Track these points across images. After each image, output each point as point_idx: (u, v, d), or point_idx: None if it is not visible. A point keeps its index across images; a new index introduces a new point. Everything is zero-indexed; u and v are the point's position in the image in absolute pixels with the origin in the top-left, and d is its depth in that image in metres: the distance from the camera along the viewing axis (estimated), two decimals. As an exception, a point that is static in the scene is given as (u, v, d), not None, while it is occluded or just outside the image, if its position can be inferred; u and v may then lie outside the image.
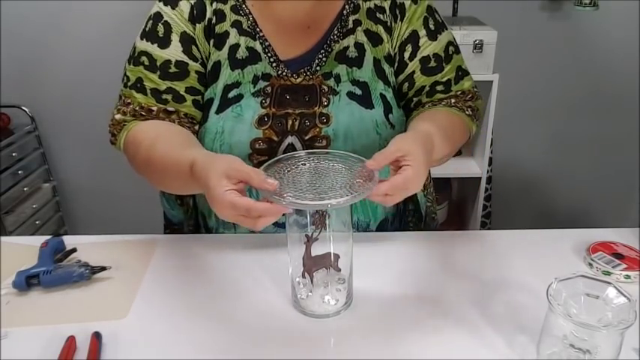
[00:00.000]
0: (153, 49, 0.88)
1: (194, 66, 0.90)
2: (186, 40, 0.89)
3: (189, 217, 1.01)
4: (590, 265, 0.83)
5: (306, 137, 0.88)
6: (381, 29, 0.91)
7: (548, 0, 1.95)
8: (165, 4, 0.89)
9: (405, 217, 1.06)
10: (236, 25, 0.89)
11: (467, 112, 0.95)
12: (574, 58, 2.04)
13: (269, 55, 0.89)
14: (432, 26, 0.93)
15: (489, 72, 1.69)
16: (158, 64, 0.88)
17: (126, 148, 0.89)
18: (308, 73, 0.89)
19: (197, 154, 0.73)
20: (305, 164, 0.73)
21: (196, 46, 0.89)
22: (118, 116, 0.91)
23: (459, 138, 0.93)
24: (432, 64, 0.93)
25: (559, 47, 2.02)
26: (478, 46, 1.65)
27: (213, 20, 0.89)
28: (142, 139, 0.86)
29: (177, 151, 0.79)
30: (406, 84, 0.95)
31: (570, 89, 2.09)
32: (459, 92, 0.96)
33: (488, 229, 1.93)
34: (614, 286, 0.61)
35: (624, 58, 2.03)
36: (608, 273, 0.80)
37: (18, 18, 1.97)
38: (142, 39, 0.90)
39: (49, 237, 0.89)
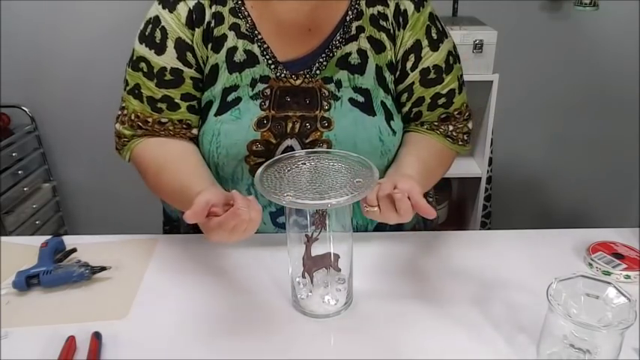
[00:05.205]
0: (150, 55, 0.88)
1: (189, 72, 0.89)
2: (181, 47, 0.88)
3: None
4: (590, 265, 0.83)
5: (307, 140, 0.87)
6: (384, 37, 0.90)
7: (548, 0, 1.95)
8: (164, 7, 0.88)
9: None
10: (234, 27, 0.88)
11: (459, 143, 0.97)
12: (574, 58, 2.04)
13: (267, 57, 0.88)
14: (434, 35, 0.92)
15: (489, 72, 1.68)
16: (155, 71, 0.88)
17: (133, 164, 0.93)
18: (307, 75, 0.88)
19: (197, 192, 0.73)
20: (305, 164, 0.73)
21: (192, 52, 0.88)
22: (117, 125, 0.92)
23: (439, 173, 0.95)
24: (432, 75, 0.92)
25: (559, 47, 2.02)
26: (478, 46, 1.65)
27: (212, 23, 0.88)
28: (147, 166, 0.89)
29: (185, 185, 0.80)
30: (405, 94, 0.93)
31: (570, 89, 2.09)
32: (457, 113, 0.95)
33: (489, 229, 1.93)
34: (614, 286, 0.61)
35: (624, 58, 2.03)
36: (608, 273, 0.80)
37: (18, 18, 1.97)
38: (140, 42, 0.89)
39: (49, 237, 0.89)
